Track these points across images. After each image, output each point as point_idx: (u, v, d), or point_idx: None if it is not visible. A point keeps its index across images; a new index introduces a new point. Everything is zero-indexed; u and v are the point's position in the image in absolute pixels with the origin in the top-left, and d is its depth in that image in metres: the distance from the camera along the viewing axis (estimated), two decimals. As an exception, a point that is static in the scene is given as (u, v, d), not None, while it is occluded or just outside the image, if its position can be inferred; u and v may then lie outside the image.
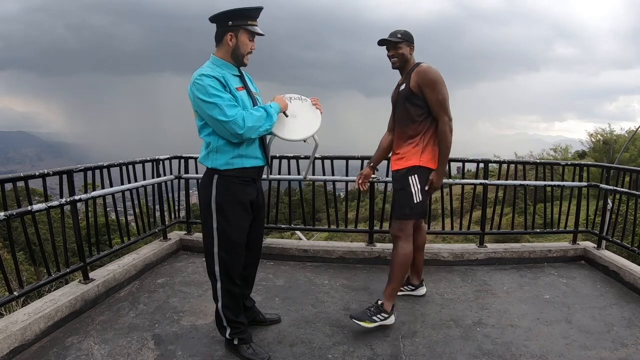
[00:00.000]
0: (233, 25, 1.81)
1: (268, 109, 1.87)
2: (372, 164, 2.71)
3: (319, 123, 2.07)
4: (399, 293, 2.81)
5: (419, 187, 2.33)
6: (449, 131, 2.27)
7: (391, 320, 2.32)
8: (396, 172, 2.43)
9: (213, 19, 1.83)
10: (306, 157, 3.36)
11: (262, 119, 1.83)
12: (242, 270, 2.01)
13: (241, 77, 1.93)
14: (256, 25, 1.86)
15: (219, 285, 1.93)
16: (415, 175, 2.32)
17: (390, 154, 2.61)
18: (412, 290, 2.76)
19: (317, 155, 3.37)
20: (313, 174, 3.46)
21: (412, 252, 2.37)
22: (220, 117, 1.73)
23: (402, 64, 2.37)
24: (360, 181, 2.65)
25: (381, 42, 2.37)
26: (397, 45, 2.33)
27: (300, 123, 2.04)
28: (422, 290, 2.76)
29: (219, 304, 1.95)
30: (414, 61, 2.38)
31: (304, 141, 2.08)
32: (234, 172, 1.86)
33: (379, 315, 2.27)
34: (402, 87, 2.37)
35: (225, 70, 1.85)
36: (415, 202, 2.33)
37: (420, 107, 2.30)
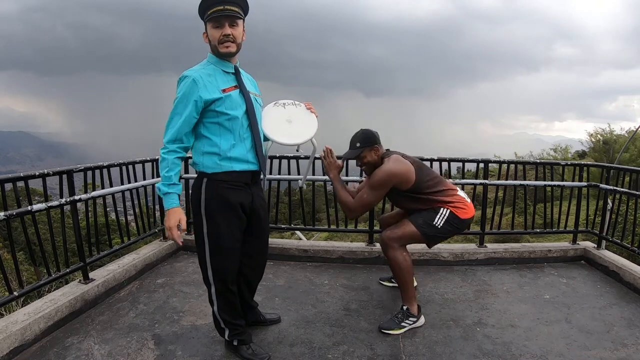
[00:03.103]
0: (204, 23, 1.76)
1: (162, 186, 1.73)
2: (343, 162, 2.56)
3: (315, 126, 2.06)
4: (389, 284, 2.87)
5: (445, 218, 2.29)
6: (348, 206, 2.32)
7: (421, 321, 2.34)
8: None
9: None
10: (306, 157, 3.35)
11: (163, 174, 1.73)
12: (237, 275, 1.96)
13: (236, 74, 1.84)
14: (221, 9, 1.68)
15: (213, 289, 1.91)
16: (448, 211, 2.30)
17: None
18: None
19: (316, 155, 3.37)
20: (313, 174, 3.46)
21: (408, 255, 2.31)
22: (166, 130, 1.74)
23: (372, 169, 2.36)
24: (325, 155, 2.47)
25: (347, 159, 2.40)
26: (361, 156, 2.33)
27: (297, 127, 2.03)
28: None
29: (215, 307, 1.94)
30: (379, 159, 2.35)
31: (312, 142, 2.10)
32: (222, 176, 1.79)
33: (407, 320, 2.28)
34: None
35: (218, 67, 1.79)
36: (434, 223, 2.28)
37: (409, 192, 2.31)
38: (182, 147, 1.76)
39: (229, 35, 1.73)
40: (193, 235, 3.62)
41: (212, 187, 1.80)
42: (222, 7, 1.69)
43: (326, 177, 3.43)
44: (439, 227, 2.29)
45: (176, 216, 1.73)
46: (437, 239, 2.37)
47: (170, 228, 1.72)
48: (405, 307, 2.31)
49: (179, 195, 1.76)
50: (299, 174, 3.45)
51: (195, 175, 1.88)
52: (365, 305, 2.60)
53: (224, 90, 1.75)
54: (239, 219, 1.87)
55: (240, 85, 1.83)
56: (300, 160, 3.39)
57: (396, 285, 2.82)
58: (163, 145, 1.73)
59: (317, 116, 2.08)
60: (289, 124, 2.02)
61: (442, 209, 2.31)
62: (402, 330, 2.25)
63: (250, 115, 1.83)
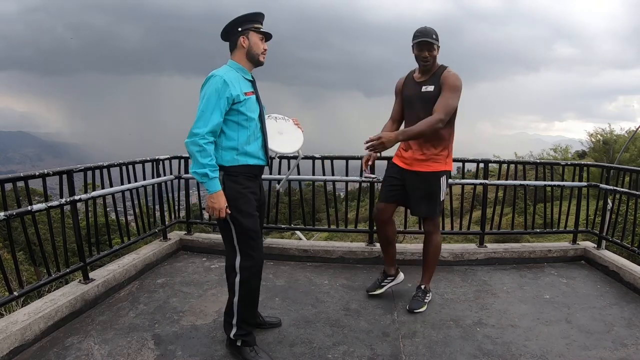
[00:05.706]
0: (243, 30, 1.95)
1: (209, 172, 1.84)
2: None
3: (302, 140, 2.39)
4: (380, 291, 2.76)
5: (445, 187, 2.55)
6: (435, 125, 2.30)
7: (401, 276, 2.80)
8: (424, 173, 2.49)
9: (224, 34, 1.97)
10: (306, 158, 3.36)
11: (198, 162, 1.83)
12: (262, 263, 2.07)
13: (253, 82, 2.04)
14: (262, 28, 2.01)
15: (237, 278, 1.95)
16: (445, 176, 2.52)
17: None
18: (392, 280, 2.78)
19: (317, 155, 3.38)
20: (313, 174, 3.46)
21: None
22: (194, 124, 1.84)
23: (432, 65, 2.43)
24: (364, 161, 2.70)
25: (424, 42, 2.34)
26: (433, 47, 2.37)
27: (287, 138, 2.35)
28: (401, 277, 2.83)
29: (235, 298, 1.96)
30: (437, 63, 2.45)
31: (298, 152, 2.46)
32: (239, 169, 1.95)
33: (427, 296, 2.62)
34: (430, 88, 2.42)
35: (239, 74, 1.96)
36: (442, 199, 2.56)
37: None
38: (215, 140, 1.90)
39: (266, 50, 2.04)
40: (194, 236, 3.64)
41: (230, 178, 1.94)
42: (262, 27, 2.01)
43: (326, 177, 3.44)
44: (443, 198, 2.56)
45: (224, 197, 1.90)
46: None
47: (221, 208, 1.87)
48: (423, 286, 2.64)
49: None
50: (298, 174, 3.46)
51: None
52: (365, 305, 2.60)
53: (245, 94, 1.95)
54: (256, 202, 2.04)
55: (256, 92, 2.04)
56: (300, 160, 3.39)
57: (388, 285, 2.75)
58: (197, 135, 1.81)
59: (302, 131, 2.40)
60: (280, 135, 2.32)
61: (441, 179, 2.51)
62: (426, 306, 2.55)
63: (262, 119, 2.07)
